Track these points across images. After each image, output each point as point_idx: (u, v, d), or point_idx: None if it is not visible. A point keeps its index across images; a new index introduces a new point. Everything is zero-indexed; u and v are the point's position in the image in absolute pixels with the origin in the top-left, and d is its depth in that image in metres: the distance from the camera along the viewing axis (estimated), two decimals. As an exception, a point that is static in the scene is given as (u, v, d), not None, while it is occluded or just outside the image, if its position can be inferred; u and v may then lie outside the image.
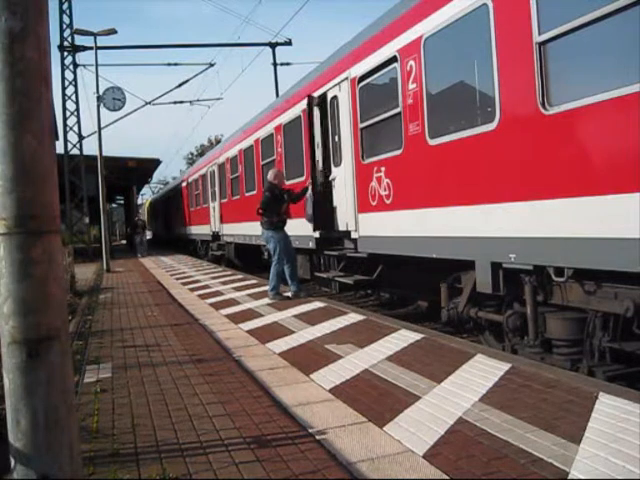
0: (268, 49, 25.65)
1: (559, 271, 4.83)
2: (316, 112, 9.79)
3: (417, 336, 5.71)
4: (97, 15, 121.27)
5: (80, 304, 10.38)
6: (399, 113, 7.01)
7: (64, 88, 24.38)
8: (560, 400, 3.60)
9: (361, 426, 3.43)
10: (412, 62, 6.65)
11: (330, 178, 9.51)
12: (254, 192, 14.45)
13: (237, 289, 11.08)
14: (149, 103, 24.86)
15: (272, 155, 12.63)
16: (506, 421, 3.32)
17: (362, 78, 8.04)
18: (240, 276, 13.83)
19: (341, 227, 9.17)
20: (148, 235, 27.40)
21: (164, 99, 43.42)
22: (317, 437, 3.28)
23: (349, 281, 8.74)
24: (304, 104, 10.05)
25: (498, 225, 5.33)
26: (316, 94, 9.77)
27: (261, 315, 7.78)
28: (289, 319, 7.29)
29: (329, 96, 9.32)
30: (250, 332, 6.66)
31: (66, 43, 23.94)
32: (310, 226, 9.74)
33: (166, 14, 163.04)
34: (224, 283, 12.39)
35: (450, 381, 4.17)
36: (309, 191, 9.56)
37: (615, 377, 4.66)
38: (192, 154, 69.23)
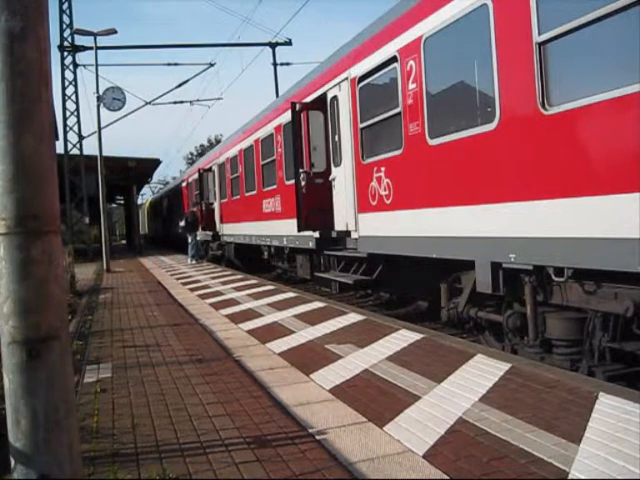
0: (268, 49, 25.72)
1: (559, 271, 4.84)
2: (314, 114, 9.87)
3: (417, 336, 5.71)
4: (97, 15, 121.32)
5: (80, 304, 10.37)
6: (399, 113, 7.01)
7: (64, 88, 24.37)
8: (560, 400, 3.60)
9: (361, 426, 3.43)
10: (412, 62, 6.65)
11: (330, 178, 9.53)
12: (254, 192, 14.46)
13: (237, 289, 11.08)
14: (149, 103, 24.88)
15: (272, 155, 12.64)
16: (506, 421, 3.32)
17: (362, 78, 8.04)
18: (240, 276, 13.83)
19: (341, 227, 9.17)
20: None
21: (164, 99, 43.52)
22: (317, 437, 3.28)
23: (349, 281, 8.74)
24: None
25: (498, 225, 5.33)
26: (312, 96, 9.82)
27: (261, 315, 7.78)
28: (289, 319, 7.29)
29: (329, 96, 9.33)
30: (250, 332, 6.66)
31: (66, 43, 23.93)
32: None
33: (166, 14, 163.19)
34: (224, 283, 12.39)
35: (450, 381, 4.17)
36: None
37: (615, 377, 4.66)
38: (192, 154, 69.32)
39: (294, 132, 10.02)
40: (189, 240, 19.49)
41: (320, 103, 9.70)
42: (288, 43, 25.78)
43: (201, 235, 20.33)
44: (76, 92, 24.59)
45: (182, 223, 19.44)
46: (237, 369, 4.97)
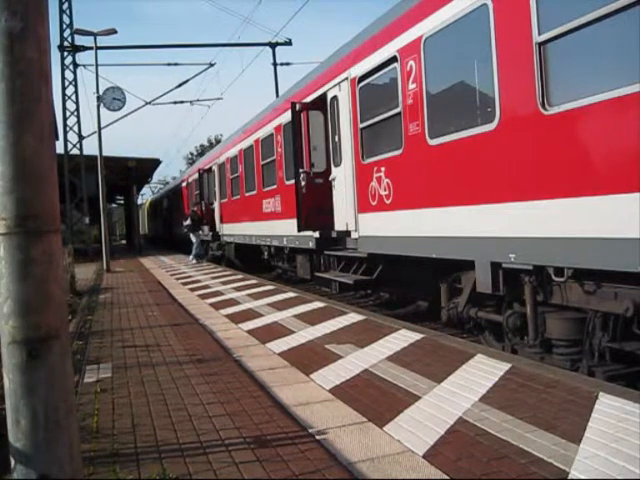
0: (268, 49, 25.71)
1: (559, 271, 4.84)
2: (314, 114, 9.89)
3: (417, 336, 5.71)
4: (97, 15, 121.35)
5: (80, 304, 10.37)
6: (399, 113, 7.01)
7: (64, 88, 24.36)
8: (560, 400, 3.60)
9: (361, 426, 3.43)
10: (412, 62, 6.65)
11: (330, 178, 9.53)
12: (254, 192, 14.46)
13: (237, 289, 11.08)
14: (149, 103, 24.85)
15: (272, 155, 12.64)
16: (506, 421, 3.32)
17: (362, 78, 8.04)
18: (240, 276, 13.83)
19: (341, 227, 9.17)
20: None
21: (164, 99, 43.33)
22: (317, 437, 3.28)
23: (349, 281, 8.74)
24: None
25: (498, 225, 5.33)
26: (312, 96, 9.83)
27: (261, 315, 7.78)
28: (289, 319, 7.29)
29: (329, 96, 9.33)
30: (250, 332, 6.66)
31: (66, 43, 23.92)
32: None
33: (166, 14, 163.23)
34: (224, 283, 12.39)
35: (450, 381, 4.16)
36: None
37: (615, 377, 4.66)
38: (192, 154, 69.35)
39: (294, 132, 10.03)
40: (193, 239, 19.40)
41: (320, 103, 9.71)
42: (288, 43, 25.78)
43: (204, 234, 20.18)
44: (76, 92, 24.59)
45: (187, 222, 19.41)
46: (237, 369, 4.96)
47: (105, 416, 3.88)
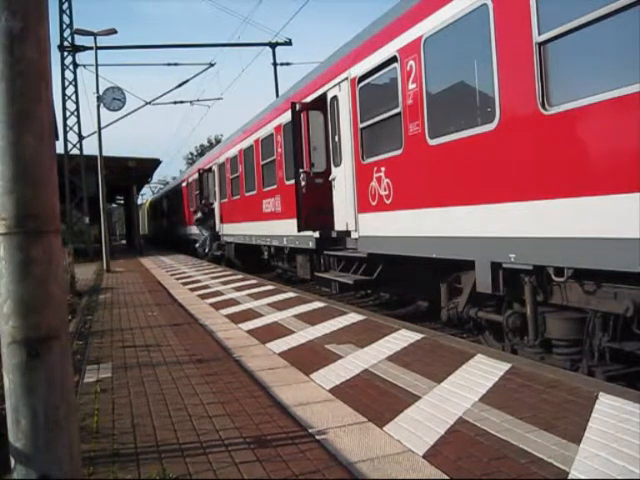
0: (268, 49, 25.72)
1: (559, 271, 4.84)
2: (314, 114, 9.90)
3: (417, 336, 5.71)
4: (97, 15, 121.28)
5: (80, 304, 10.37)
6: (399, 113, 7.01)
7: (64, 88, 24.35)
8: (560, 400, 3.60)
9: (361, 426, 3.43)
10: (412, 62, 6.65)
11: (330, 178, 9.53)
12: (254, 192, 14.46)
13: (237, 289, 11.08)
14: (149, 103, 24.86)
15: (272, 155, 12.64)
16: (506, 421, 3.32)
17: (362, 78, 8.04)
18: (240, 276, 13.83)
19: (341, 227, 9.17)
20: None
21: (164, 99, 43.30)
22: (317, 437, 3.28)
23: (349, 281, 8.74)
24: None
25: (498, 225, 5.33)
26: (312, 96, 9.83)
27: (261, 315, 7.78)
28: (289, 319, 7.29)
29: (329, 96, 9.33)
30: (250, 332, 6.66)
31: (66, 43, 23.91)
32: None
33: (165, 14, 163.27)
34: (224, 283, 12.39)
35: (450, 381, 4.16)
36: None
37: (615, 377, 4.66)
38: (192, 154, 69.41)
39: (294, 132, 10.03)
40: (203, 233, 19.31)
41: (320, 103, 9.71)
42: (288, 43, 25.79)
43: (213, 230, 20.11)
44: (76, 92, 24.58)
45: (199, 215, 19.32)
46: (237, 369, 4.97)
47: (105, 416, 3.88)
